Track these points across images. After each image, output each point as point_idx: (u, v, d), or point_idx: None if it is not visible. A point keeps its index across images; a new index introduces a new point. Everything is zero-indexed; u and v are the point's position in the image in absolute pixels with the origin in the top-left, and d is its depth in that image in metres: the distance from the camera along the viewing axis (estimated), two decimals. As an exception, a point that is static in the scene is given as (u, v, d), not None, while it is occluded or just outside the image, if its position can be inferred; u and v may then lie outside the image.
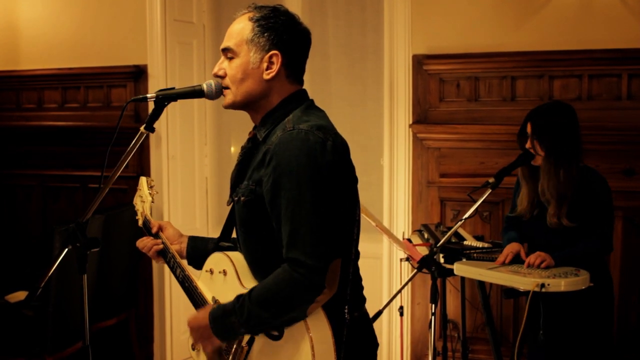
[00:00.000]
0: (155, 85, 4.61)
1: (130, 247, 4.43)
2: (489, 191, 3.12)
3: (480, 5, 4.05)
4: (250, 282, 2.00)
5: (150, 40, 4.64)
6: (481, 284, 3.49)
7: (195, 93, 2.03)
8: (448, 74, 4.14)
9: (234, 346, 1.98)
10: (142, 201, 2.39)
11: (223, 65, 2.01)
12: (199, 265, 2.23)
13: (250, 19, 1.97)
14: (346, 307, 1.95)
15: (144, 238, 2.36)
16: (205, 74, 4.92)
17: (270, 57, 1.95)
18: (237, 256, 2.07)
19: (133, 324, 4.64)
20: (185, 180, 4.85)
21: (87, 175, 4.91)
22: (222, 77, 2.01)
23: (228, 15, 4.98)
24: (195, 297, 2.13)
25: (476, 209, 3.12)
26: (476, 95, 4.10)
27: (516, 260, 3.08)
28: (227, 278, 2.04)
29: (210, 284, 2.12)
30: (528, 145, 3.11)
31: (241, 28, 1.98)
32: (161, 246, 2.29)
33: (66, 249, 2.08)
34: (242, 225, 2.02)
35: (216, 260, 2.11)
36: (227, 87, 2.01)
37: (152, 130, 2.01)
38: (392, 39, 4.21)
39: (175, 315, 4.73)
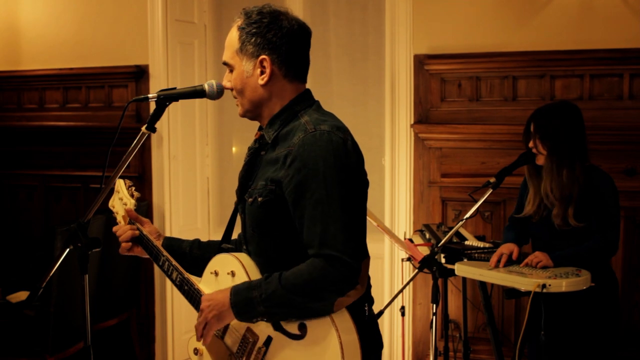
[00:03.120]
0: (156, 85, 4.61)
1: (131, 247, 4.44)
2: (490, 191, 3.12)
3: (481, 5, 4.05)
4: None
5: (152, 40, 4.64)
6: (482, 284, 3.49)
7: (197, 93, 2.03)
8: (449, 73, 4.13)
9: (248, 346, 1.95)
10: (124, 203, 2.35)
11: (229, 77, 2.02)
12: None
13: (238, 28, 1.97)
14: (366, 304, 1.97)
15: (120, 226, 2.33)
16: (206, 74, 4.92)
17: (261, 62, 1.94)
18: (245, 257, 2.04)
19: (134, 324, 4.64)
20: (187, 181, 4.86)
21: (89, 175, 4.91)
22: (232, 90, 2.03)
23: (229, 15, 4.99)
24: (198, 300, 2.08)
25: (477, 209, 3.12)
26: (477, 95, 4.10)
27: (510, 262, 3.07)
28: (236, 279, 2.01)
29: (214, 285, 2.07)
30: (531, 144, 3.11)
31: (232, 39, 1.98)
32: (137, 232, 2.27)
33: (67, 249, 2.08)
34: (257, 227, 1.98)
35: (222, 261, 2.08)
36: (237, 98, 2.03)
37: (154, 130, 2.01)
38: (393, 38, 4.21)
39: (176, 315, 4.73)
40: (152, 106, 2.03)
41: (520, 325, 3.64)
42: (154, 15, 4.62)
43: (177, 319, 4.74)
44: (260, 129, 2.06)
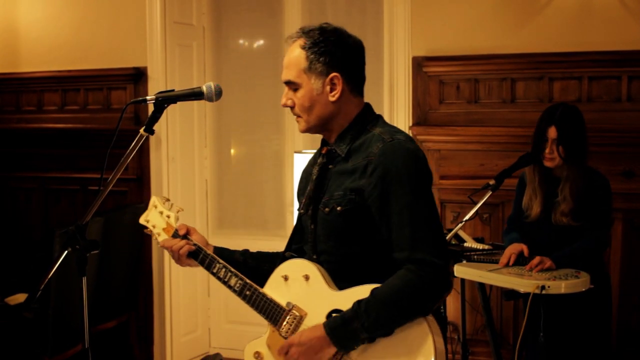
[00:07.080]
0: (155, 87, 4.61)
1: (130, 249, 4.43)
2: (490, 193, 3.13)
3: (480, 7, 4.05)
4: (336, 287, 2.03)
5: (150, 43, 4.64)
6: (481, 285, 3.48)
7: (195, 95, 2.04)
8: (448, 75, 4.14)
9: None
10: (166, 216, 2.29)
11: (289, 95, 2.07)
12: None
13: (302, 47, 2.03)
14: (442, 306, 2.06)
15: (171, 238, 2.27)
16: (204, 76, 4.92)
17: (332, 79, 2.03)
18: (317, 264, 2.08)
19: (133, 326, 4.63)
20: (185, 183, 4.85)
21: (87, 178, 4.91)
22: (292, 107, 2.08)
23: (228, 17, 4.99)
24: (264, 304, 2.10)
25: (476, 211, 3.13)
26: (476, 97, 4.10)
27: (519, 261, 3.08)
28: (310, 282, 2.05)
29: (283, 289, 2.10)
30: (548, 150, 3.08)
31: (296, 58, 2.03)
32: (193, 247, 2.23)
33: (66, 252, 2.08)
34: (335, 235, 2.03)
35: (295, 265, 2.11)
36: (298, 115, 2.08)
37: (152, 132, 2.02)
38: (392, 40, 4.22)
39: (175, 317, 4.73)
40: (151, 108, 2.03)
41: (519, 327, 3.64)
42: (152, 18, 4.62)
43: (175, 321, 4.74)
44: (324, 143, 2.13)
